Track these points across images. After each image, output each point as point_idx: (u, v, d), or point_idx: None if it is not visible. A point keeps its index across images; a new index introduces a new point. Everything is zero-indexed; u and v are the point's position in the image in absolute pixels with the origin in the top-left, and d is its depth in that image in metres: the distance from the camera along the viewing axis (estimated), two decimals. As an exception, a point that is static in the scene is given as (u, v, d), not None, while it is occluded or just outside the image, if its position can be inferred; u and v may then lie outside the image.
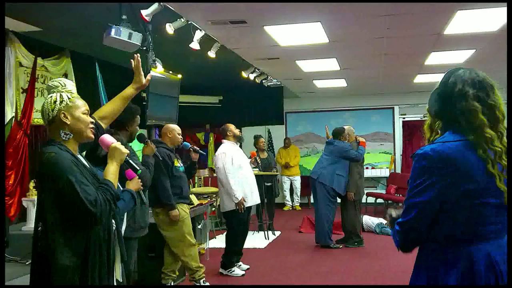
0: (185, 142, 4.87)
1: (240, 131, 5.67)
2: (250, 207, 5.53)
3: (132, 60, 2.55)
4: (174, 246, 4.61)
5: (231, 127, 5.53)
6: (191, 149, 4.81)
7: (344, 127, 7.08)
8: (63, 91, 2.13)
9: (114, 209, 2.10)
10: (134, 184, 2.46)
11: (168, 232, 4.59)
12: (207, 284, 4.85)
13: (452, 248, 1.67)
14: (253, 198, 5.45)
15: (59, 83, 2.16)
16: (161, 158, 4.21)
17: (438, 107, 1.74)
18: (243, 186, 5.31)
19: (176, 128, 4.73)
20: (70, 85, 2.19)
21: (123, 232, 3.19)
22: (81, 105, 2.15)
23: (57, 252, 1.95)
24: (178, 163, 4.65)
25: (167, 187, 4.45)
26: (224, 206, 5.31)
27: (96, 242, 2.05)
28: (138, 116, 3.75)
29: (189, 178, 5.08)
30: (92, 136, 2.18)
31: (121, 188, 2.86)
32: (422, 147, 1.71)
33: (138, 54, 2.60)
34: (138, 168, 2.43)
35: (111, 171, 2.14)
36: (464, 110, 1.65)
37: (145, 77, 2.54)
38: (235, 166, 5.28)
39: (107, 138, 2.27)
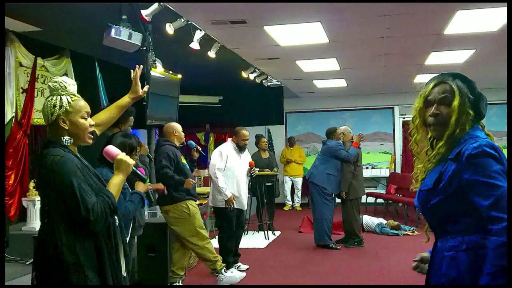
0: (190, 141, 5.05)
1: (245, 144, 5.48)
2: (238, 210, 5.40)
3: (132, 70, 2.58)
4: (188, 241, 4.63)
5: (242, 135, 5.42)
6: (194, 148, 5.02)
7: (342, 126, 7.10)
8: (63, 94, 2.08)
9: (110, 220, 2.10)
10: (143, 186, 2.47)
11: (181, 228, 4.62)
12: (231, 273, 5.02)
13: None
14: (239, 202, 5.35)
15: (60, 85, 2.09)
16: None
17: (476, 100, 1.71)
18: (233, 187, 5.28)
19: (179, 126, 4.87)
20: (72, 85, 2.12)
21: (130, 231, 3.26)
22: (82, 108, 2.10)
23: (67, 250, 1.96)
24: (185, 161, 4.77)
25: (171, 174, 4.52)
26: (214, 200, 5.31)
27: (102, 239, 2.06)
28: (132, 117, 3.98)
29: None
30: (90, 141, 2.16)
31: (130, 190, 2.89)
32: (476, 143, 1.60)
33: (141, 66, 2.63)
34: (146, 178, 2.47)
35: (115, 183, 2.12)
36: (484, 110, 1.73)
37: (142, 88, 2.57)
38: (228, 166, 5.29)
39: (112, 149, 2.24)
